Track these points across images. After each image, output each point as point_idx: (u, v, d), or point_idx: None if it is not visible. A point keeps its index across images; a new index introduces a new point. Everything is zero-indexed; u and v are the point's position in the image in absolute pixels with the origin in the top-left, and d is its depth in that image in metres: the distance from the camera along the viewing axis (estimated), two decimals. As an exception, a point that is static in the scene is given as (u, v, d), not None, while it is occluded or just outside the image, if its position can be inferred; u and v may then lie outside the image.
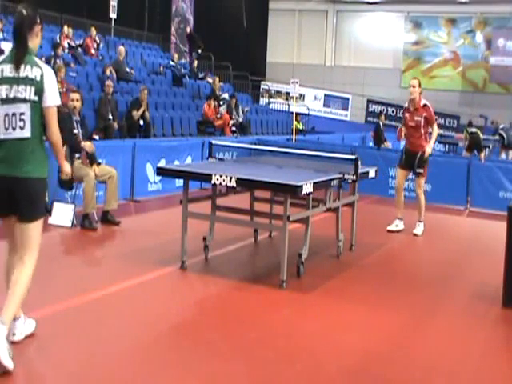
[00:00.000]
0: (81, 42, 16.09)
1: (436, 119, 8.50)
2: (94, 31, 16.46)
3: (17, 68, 3.73)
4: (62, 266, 6.08)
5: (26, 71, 3.73)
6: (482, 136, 17.22)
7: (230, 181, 5.48)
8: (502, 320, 5.27)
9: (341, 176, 6.18)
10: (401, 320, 5.00)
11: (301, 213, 5.97)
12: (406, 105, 8.28)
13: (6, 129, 3.72)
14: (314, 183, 5.54)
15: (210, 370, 3.87)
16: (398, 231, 8.24)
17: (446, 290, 5.90)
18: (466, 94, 28.05)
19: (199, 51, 20.05)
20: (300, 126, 20.73)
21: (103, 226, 7.53)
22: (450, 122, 24.87)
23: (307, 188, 5.36)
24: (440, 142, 18.56)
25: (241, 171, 5.94)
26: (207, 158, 7.08)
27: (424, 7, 28.64)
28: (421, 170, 8.07)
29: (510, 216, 5.41)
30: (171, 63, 18.75)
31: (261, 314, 4.99)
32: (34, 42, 3.89)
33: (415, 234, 8.09)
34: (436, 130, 8.19)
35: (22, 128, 3.73)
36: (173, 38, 23.25)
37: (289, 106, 22.40)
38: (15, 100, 3.71)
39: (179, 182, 8.64)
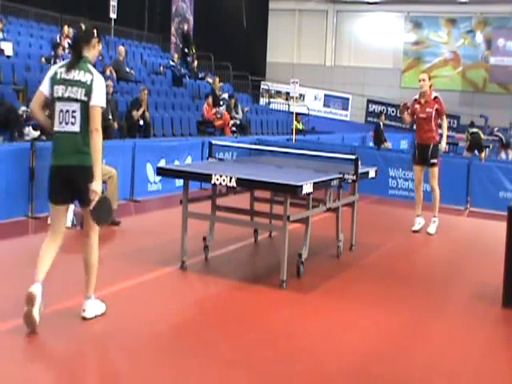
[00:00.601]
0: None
1: (447, 116, 8.62)
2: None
3: (68, 72, 4.33)
4: (62, 266, 6.07)
5: (79, 76, 4.32)
6: (482, 136, 17.22)
7: (230, 181, 5.48)
8: (502, 320, 5.27)
9: (341, 176, 6.18)
10: (401, 320, 5.00)
11: (301, 213, 5.97)
12: (415, 96, 8.33)
13: (60, 123, 4.33)
14: (314, 183, 5.54)
15: (209, 370, 3.87)
16: (419, 229, 8.30)
17: (446, 290, 5.90)
18: (465, 93, 28.05)
19: (191, 52, 19.86)
20: (300, 126, 20.73)
21: (103, 226, 7.51)
22: (450, 122, 24.77)
23: (307, 188, 5.37)
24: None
25: (241, 171, 5.94)
26: (207, 158, 7.08)
27: (424, 7, 28.65)
28: (435, 161, 8.15)
29: (510, 216, 5.41)
30: (171, 63, 18.74)
31: (261, 314, 4.99)
32: (91, 53, 4.48)
33: (429, 233, 8.15)
34: (446, 123, 8.32)
35: (73, 124, 4.32)
36: (173, 38, 23.24)
37: (289, 105, 22.41)
38: (69, 99, 4.29)
39: (179, 182, 8.63)
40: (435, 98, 8.11)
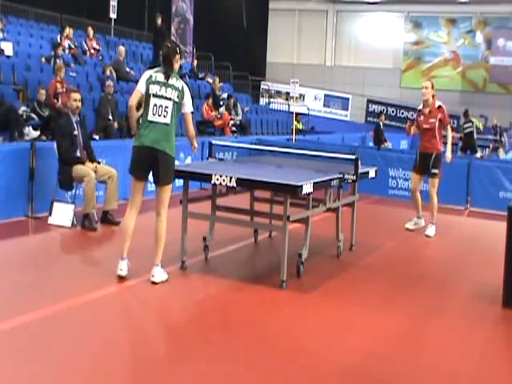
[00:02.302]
0: (79, 43, 16.08)
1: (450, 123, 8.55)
2: (91, 31, 16.45)
3: (167, 78, 5.33)
4: (62, 265, 6.08)
5: (173, 81, 5.34)
6: (475, 136, 16.97)
7: (230, 181, 5.48)
8: (502, 320, 5.27)
9: (341, 176, 6.18)
10: (401, 320, 5.00)
11: (301, 213, 5.97)
12: (419, 107, 8.18)
13: (154, 115, 5.29)
14: (314, 183, 5.54)
15: (210, 370, 3.87)
16: (417, 229, 8.25)
17: (446, 290, 5.90)
18: (466, 93, 28.03)
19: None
20: (300, 126, 20.73)
21: (103, 226, 7.53)
22: (450, 122, 24.85)
23: (307, 188, 5.37)
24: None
25: (241, 171, 5.94)
26: (207, 158, 7.08)
27: (424, 7, 28.65)
28: (436, 171, 8.01)
29: (510, 216, 5.41)
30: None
31: (261, 314, 4.99)
32: (175, 66, 5.43)
33: (427, 235, 8.07)
34: (450, 133, 8.25)
35: (165, 117, 5.30)
36: (173, 38, 23.23)
37: (289, 105, 22.39)
38: (163, 97, 5.28)
39: (179, 182, 8.62)
40: (439, 107, 7.95)
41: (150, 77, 5.36)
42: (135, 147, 5.40)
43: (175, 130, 5.42)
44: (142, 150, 5.33)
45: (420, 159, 8.13)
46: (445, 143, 8.28)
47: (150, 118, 5.30)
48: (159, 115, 5.28)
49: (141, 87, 5.36)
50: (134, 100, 5.40)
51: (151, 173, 5.41)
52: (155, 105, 5.28)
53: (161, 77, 5.35)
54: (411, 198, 8.46)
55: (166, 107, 5.28)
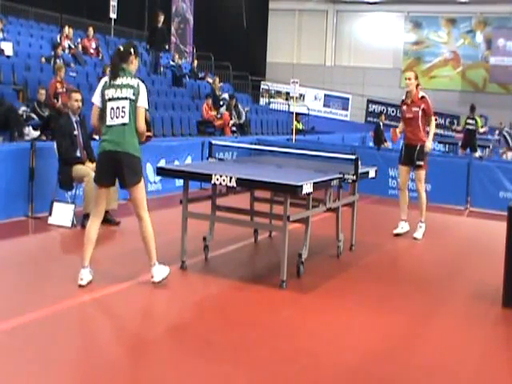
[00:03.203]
0: (79, 43, 16.08)
1: (436, 119, 8.37)
2: (91, 31, 16.45)
3: (114, 79, 5.22)
4: (62, 265, 6.08)
5: (128, 80, 5.22)
6: (481, 129, 16.82)
7: (230, 181, 5.48)
8: (502, 320, 5.27)
9: (341, 176, 6.18)
10: (401, 320, 5.00)
11: (301, 213, 5.97)
12: (403, 97, 8.08)
13: (112, 118, 5.18)
14: (314, 183, 5.54)
15: (210, 370, 3.87)
16: (405, 233, 8.07)
17: (446, 290, 5.90)
18: (465, 93, 28.02)
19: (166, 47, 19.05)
20: (300, 126, 20.73)
21: (103, 226, 7.48)
22: (450, 122, 24.87)
23: (307, 188, 5.36)
24: (440, 142, 18.50)
25: (241, 171, 5.94)
26: (207, 158, 7.07)
27: (424, 7, 28.64)
28: (421, 162, 7.84)
29: (510, 216, 5.41)
30: (171, 63, 18.73)
31: (261, 314, 4.99)
32: (130, 67, 5.33)
33: (415, 238, 7.83)
34: (433, 123, 7.97)
35: (122, 117, 5.18)
36: (173, 38, 23.24)
37: (289, 105, 22.38)
38: (119, 98, 5.17)
39: (179, 182, 8.63)
40: (422, 97, 7.80)
41: (105, 83, 5.30)
42: (99, 154, 5.35)
43: (135, 125, 5.26)
44: (105, 156, 5.26)
45: (405, 152, 7.96)
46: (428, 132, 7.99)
47: (109, 122, 5.22)
48: (117, 117, 5.20)
49: (96, 100, 5.30)
50: (94, 118, 5.35)
51: (117, 178, 5.34)
52: (112, 108, 5.20)
53: (111, 80, 5.28)
54: (399, 196, 8.19)
55: (123, 107, 5.19)
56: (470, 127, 16.37)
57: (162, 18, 17.34)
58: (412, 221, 8.07)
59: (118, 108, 5.19)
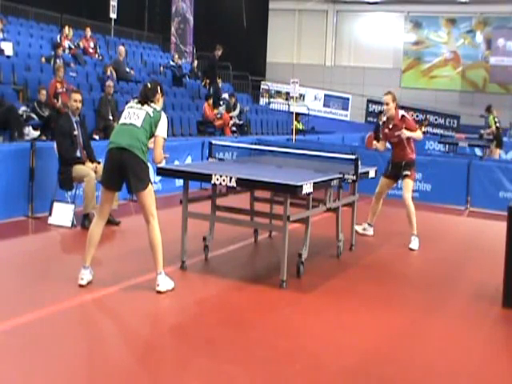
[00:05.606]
0: (78, 43, 16.07)
1: (427, 124, 8.09)
2: (88, 31, 16.44)
3: (142, 105, 5.29)
4: (62, 265, 6.08)
5: (147, 109, 5.25)
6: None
7: (230, 181, 5.48)
8: (502, 320, 5.27)
9: (341, 176, 6.18)
10: (401, 320, 5.00)
11: (301, 213, 5.97)
12: (384, 118, 7.78)
13: (125, 118, 5.24)
14: (314, 183, 5.54)
15: (210, 370, 3.87)
16: (364, 235, 7.94)
17: (446, 290, 5.90)
18: (465, 93, 28.04)
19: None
20: (300, 126, 20.73)
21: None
22: (450, 122, 24.86)
23: (307, 188, 5.36)
24: (440, 142, 18.49)
25: (241, 171, 5.94)
26: (207, 158, 7.08)
27: (424, 7, 28.65)
28: (408, 172, 7.58)
29: (510, 216, 5.41)
30: (171, 63, 18.74)
31: (261, 314, 4.99)
32: (157, 104, 5.39)
33: (411, 249, 7.54)
34: (419, 132, 7.73)
35: (136, 120, 5.19)
36: (173, 38, 23.24)
37: (289, 105, 22.40)
38: (137, 108, 5.26)
39: (179, 182, 8.63)
40: (402, 117, 7.54)
41: (132, 101, 5.44)
42: (106, 152, 5.31)
43: (146, 137, 5.23)
44: (111, 153, 5.23)
45: (392, 167, 7.79)
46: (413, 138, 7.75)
47: (122, 121, 5.29)
48: (130, 118, 5.22)
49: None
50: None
51: (125, 183, 5.30)
52: (128, 112, 5.27)
53: (135, 104, 5.35)
54: (373, 201, 7.96)
55: (139, 114, 5.21)
56: (498, 124, 16.17)
57: (219, 52, 17.30)
58: (406, 234, 7.76)
59: (134, 113, 5.23)
